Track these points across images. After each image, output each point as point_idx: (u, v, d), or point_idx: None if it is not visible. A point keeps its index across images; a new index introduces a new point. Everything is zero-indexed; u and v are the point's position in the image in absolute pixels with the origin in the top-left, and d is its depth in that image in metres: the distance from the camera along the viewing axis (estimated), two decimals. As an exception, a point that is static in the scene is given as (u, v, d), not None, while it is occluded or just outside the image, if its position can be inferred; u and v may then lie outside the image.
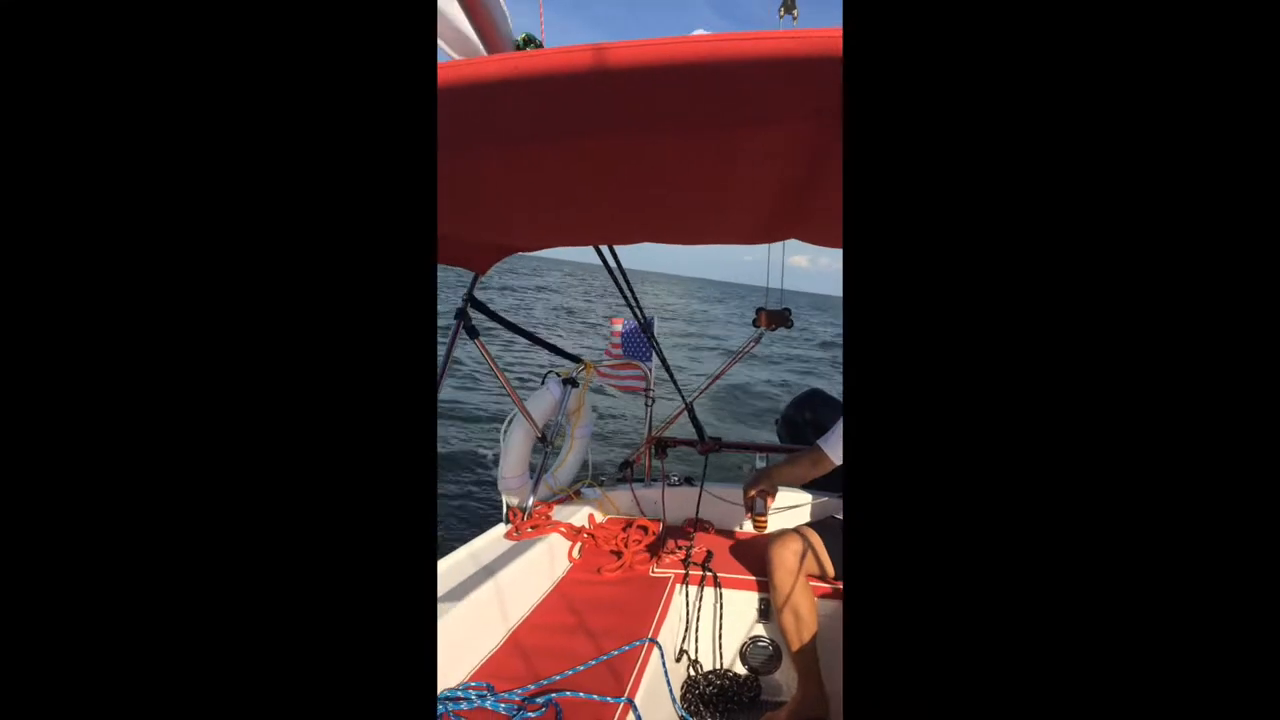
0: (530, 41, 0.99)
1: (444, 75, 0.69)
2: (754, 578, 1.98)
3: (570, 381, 2.43)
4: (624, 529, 2.20)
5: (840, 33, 0.61)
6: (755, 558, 2.02)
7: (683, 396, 2.59)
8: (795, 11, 1.60)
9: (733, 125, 0.84)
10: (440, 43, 1.03)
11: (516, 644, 1.58)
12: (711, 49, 0.65)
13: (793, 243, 1.83)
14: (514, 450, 2.25)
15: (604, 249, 2.26)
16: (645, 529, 2.21)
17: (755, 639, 1.98)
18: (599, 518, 2.36)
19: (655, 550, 2.11)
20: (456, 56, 1.02)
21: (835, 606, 1.89)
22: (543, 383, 2.40)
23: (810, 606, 1.82)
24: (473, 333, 1.95)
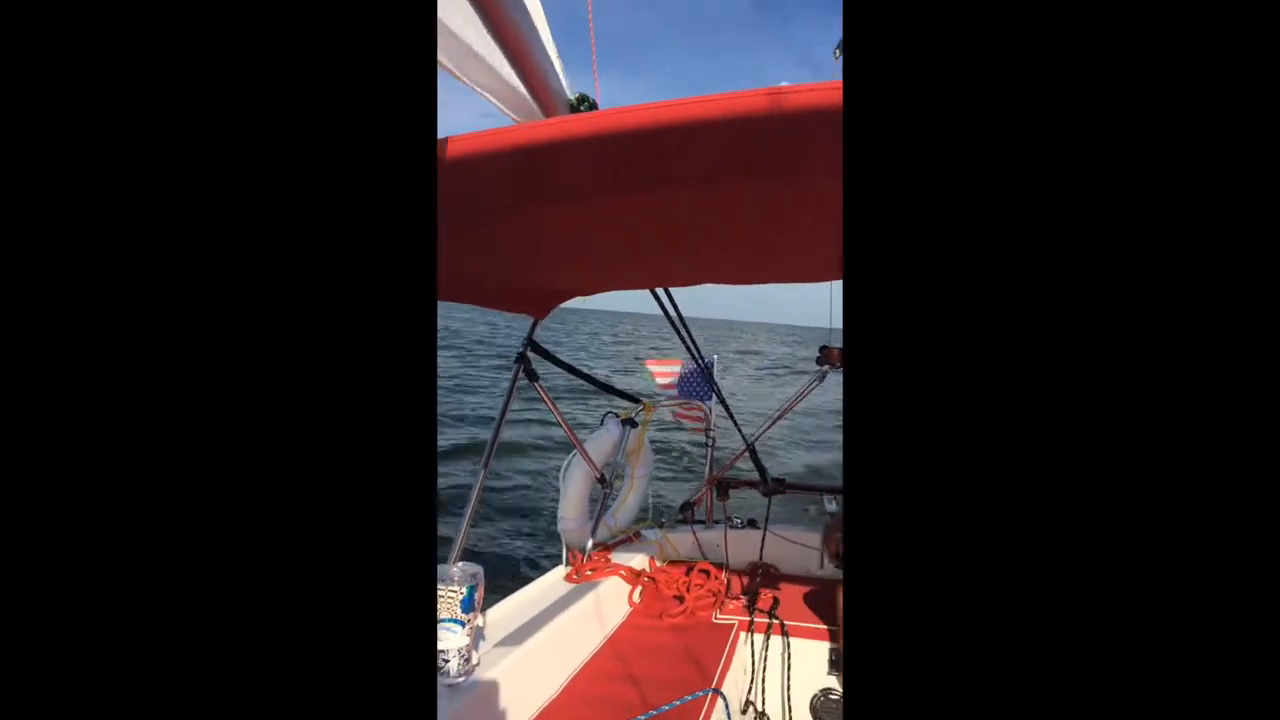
0: (584, 100, 1.03)
1: (508, 138, 0.73)
2: (824, 626, 1.90)
3: (629, 422, 2.43)
4: (686, 573, 2.16)
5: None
6: (825, 604, 1.94)
7: (744, 437, 2.55)
8: (846, 52, 1.60)
9: (773, 175, 0.85)
10: (498, 103, 1.09)
11: (577, 691, 1.56)
12: (744, 105, 0.66)
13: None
14: (573, 491, 2.26)
15: (660, 293, 2.28)
16: (708, 573, 2.16)
17: (826, 691, 1.88)
18: (660, 561, 2.32)
19: (718, 595, 2.06)
20: (516, 117, 1.07)
21: None
22: (601, 423, 2.41)
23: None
24: (533, 376, 1.99)
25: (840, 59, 1.59)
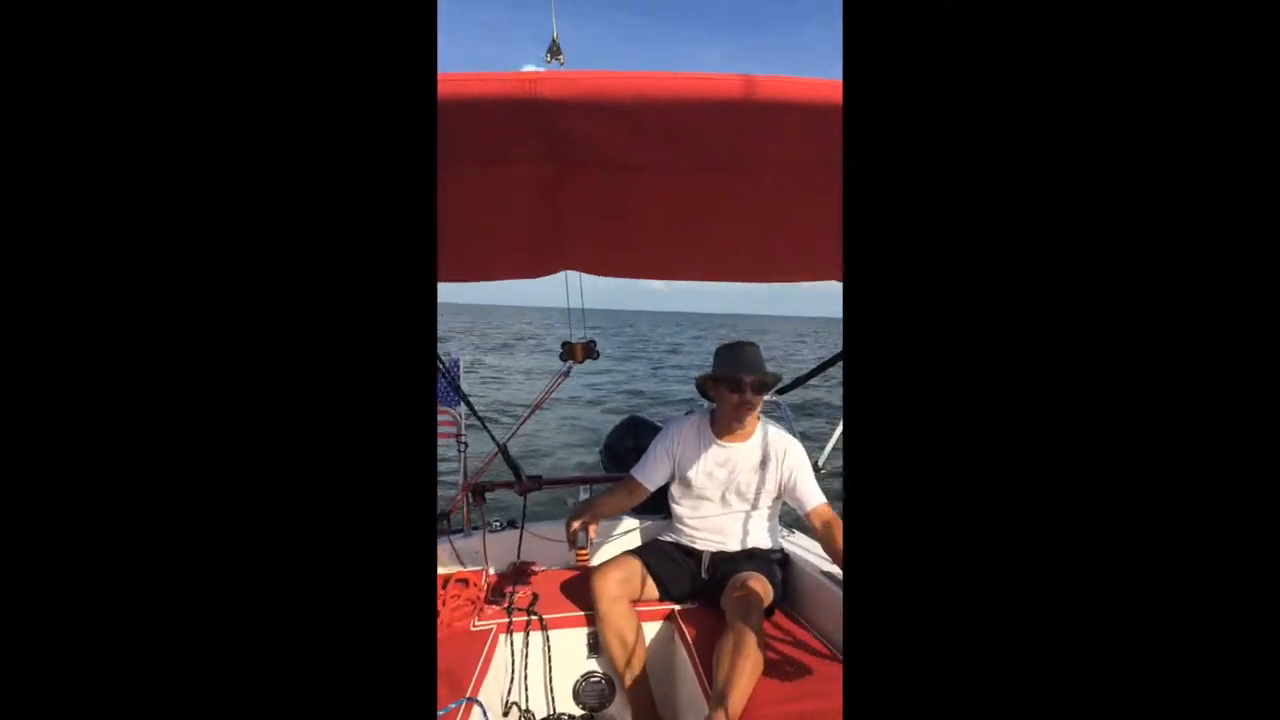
0: None
1: None
2: (582, 613, 1.96)
3: (371, 436, 2.25)
4: (441, 586, 2.07)
5: (554, 75, 0.64)
6: (583, 593, 2.00)
7: (494, 439, 2.52)
8: (561, 57, 1.67)
9: (466, 163, 0.85)
10: None
11: None
12: (456, 89, 0.66)
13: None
14: (308, 519, 2.03)
15: None
16: (466, 581, 2.10)
17: (588, 675, 1.95)
18: None
19: (476, 602, 2.01)
20: None
21: (663, 629, 1.92)
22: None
23: (635, 633, 1.83)
24: None
25: (550, 63, 1.63)
